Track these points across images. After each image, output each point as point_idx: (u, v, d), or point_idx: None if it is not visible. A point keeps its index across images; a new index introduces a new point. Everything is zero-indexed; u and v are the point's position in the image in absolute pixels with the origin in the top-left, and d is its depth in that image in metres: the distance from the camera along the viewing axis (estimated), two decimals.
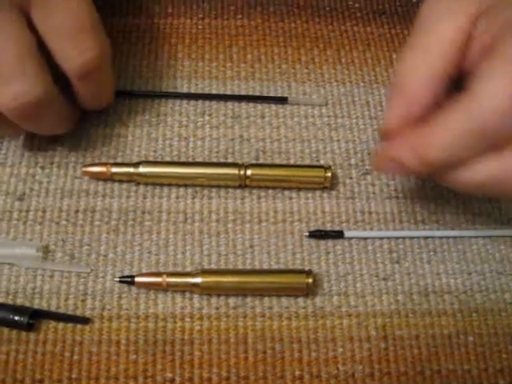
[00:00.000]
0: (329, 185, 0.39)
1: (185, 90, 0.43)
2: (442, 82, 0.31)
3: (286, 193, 0.39)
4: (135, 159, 0.39)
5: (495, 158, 0.29)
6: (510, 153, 0.29)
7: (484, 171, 0.30)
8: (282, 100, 0.42)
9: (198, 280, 0.34)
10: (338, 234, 0.38)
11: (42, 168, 0.38)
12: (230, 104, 0.42)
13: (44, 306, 0.34)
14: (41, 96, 0.32)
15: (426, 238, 0.38)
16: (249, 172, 0.38)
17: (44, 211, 0.37)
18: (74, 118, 0.38)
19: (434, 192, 0.40)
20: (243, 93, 0.43)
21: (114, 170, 0.37)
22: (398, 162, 0.31)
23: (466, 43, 0.31)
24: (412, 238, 0.38)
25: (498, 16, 0.30)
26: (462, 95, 0.29)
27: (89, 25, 0.34)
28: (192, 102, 0.42)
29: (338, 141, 0.41)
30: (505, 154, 0.29)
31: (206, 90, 0.43)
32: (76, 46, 0.33)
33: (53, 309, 0.34)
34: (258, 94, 0.43)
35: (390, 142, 0.32)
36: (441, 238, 0.38)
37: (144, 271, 0.35)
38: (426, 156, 0.30)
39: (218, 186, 0.39)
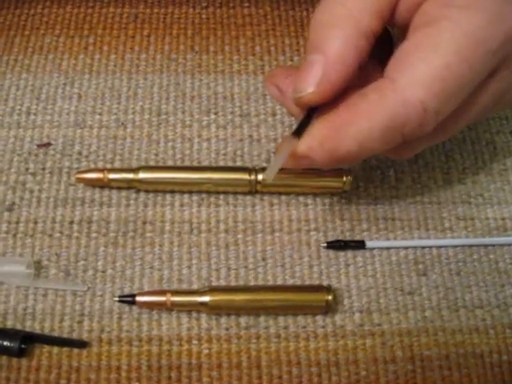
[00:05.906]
0: (348, 189, 0.37)
1: (188, 85, 0.41)
2: (367, 39, 0.27)
3: (301, 199, 0.38)
4: (135, 164, 0.38)
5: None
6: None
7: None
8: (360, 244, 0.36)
9: (206, 299, 0.33)
10: (359, 245, 0.36)
11: (33, 175, 0.37)
12: (237, 101, 0.41)
13: (37, 328, 0.33)
14: None
15: (454, 246, 0.37)
16: (260, 177, 0.36)
17: (35, 223, 0.36)
18: None
19: (462, 196, 0.38)
20: (251, 88, 0.41)
21: (112, 176, 0.36)
22: (306, 158, 0.28)
23: None
24: (439, 247, 0.37)
25: None
26: (382, 82, 0.26)
27: None
28: (196, 99, 0.40)
29: None
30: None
31: (212, 86, 0.41)
32: None
33: (46, 331, 0.33)
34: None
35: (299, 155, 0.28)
36: (471, 246, 0.37)
37: (146, 289, 0.34)
38: (337, 153, 0.27)
39: (227, 193, 0.37)
